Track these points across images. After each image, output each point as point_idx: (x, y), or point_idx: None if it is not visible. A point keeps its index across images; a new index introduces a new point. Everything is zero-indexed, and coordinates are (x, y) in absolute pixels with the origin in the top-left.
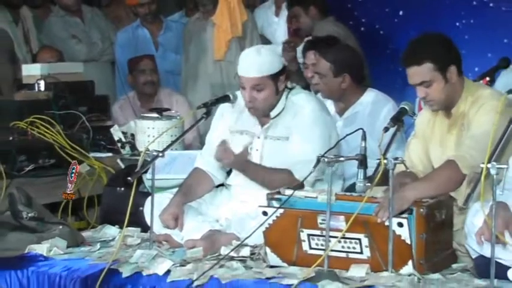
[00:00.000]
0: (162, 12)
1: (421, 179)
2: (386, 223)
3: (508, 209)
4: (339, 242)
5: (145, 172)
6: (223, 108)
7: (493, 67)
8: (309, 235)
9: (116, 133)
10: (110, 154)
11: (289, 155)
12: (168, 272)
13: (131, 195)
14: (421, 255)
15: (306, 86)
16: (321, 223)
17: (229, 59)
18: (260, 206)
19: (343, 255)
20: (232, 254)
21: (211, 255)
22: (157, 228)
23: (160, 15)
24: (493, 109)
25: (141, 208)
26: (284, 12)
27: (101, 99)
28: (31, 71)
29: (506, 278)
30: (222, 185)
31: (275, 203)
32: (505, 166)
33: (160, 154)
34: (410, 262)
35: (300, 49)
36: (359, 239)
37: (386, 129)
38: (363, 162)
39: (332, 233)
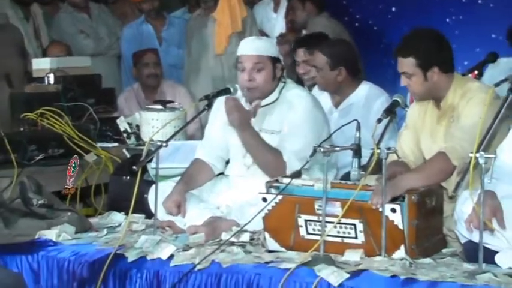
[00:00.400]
0: (166, 9)
1: (413, 169)
2: (381, 209)
3: (495, 197)
4: (335, 227)
5: (150, 161)
6: (219, 102)
7: (481, 61)
8: (306, 221)
9: (122, 124)
10: (116, 144)
11: (280, 147)
12: (171, 256)
13: (136, 184)
14: (412, 241)
15: (298, 80)
16: (317, 209)
17: (230, 53)
18: (260, 193)
19: (339, 240)
20: (233, 239)
21: (212, 241)
22: (161, 214)
23: (164, 12)
24: (481, 102)
25: (145, 195)
26: (282, 9)
27: (107, 91)
28: (41, 64)
29: (494, 262)
30: (222, 173)
31: (274, 191)
32: (493, 156)
33: (164, 144)
34: (402, 247)
35: None
36: (354, 225)
37: (379, 121)
38: (357, 151)
39: (328, 219)
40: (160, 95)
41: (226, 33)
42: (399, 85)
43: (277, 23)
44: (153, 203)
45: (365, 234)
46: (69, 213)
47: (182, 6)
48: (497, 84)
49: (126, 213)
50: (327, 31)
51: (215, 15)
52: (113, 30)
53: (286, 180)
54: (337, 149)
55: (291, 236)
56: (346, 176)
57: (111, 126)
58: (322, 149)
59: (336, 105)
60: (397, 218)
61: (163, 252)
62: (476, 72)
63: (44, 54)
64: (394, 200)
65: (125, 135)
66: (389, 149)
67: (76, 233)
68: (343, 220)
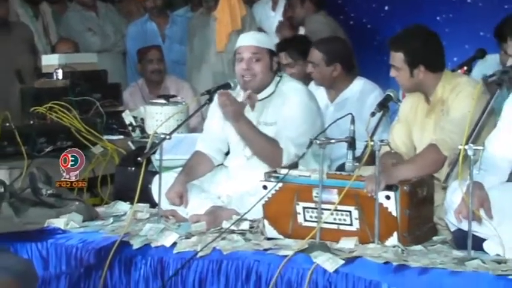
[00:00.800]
0: (169, 8)
1: (407, 161)
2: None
3: (483, 188)
4: (331, 214)
5: (154, 153)
6: None
7: (470, 57)
8: (304, 208)
9: (127, 117)
10: (121, 137)
11: (277, 136)
12: (174, 244)
13: (141, 174)
14: (404, 229)
15: None
16: (315, 196)
17: (230, 50)
18: (261, 181)
19: (335, 227)
20: (233, 227)
21: (213, 229)
22: (165, 204)
23: (167, 10)
24: (469, 95)
25: (149, 186)
26: (280, 7)
27: (113, 86)
28: (50, 61)
29: (482, 249)
30: (222, 164)
31: (273, 180)
32: (481, 148)
33: (168, 137)
34: (395, 234)
35: None
36: (349, 211)
37: (373, 114)
38: (352, 144)
39: (325, 206)
40: (164, 90)
41: (227, 31)
42: (392, 80)
43: (275, 21)
44: (156, 193)
45: (360, 221)
46: (76, 203)
47: (185, 5)
48: (484, 77)
49: (131, 203)
50: (324, 28)
51: (216, 14)
52: (119, 28)
53: (284, 171)
54: (333, 141)
55: (289, 223)
56: (341, 168)
57: (117, 120)
58: (318, 141)
59: (332, 99)
60: (391, 205)
61: (167, 239)
62: (465, 67)
63: (53, 50)
64: (388, 188)
65: (130, 128)
66: (382, 141)
67: (83, 221)
68: (340, 207)
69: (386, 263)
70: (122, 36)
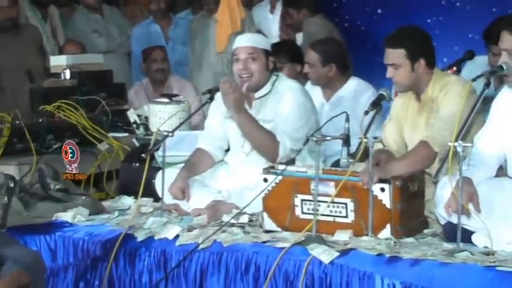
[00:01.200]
0: (172, 10)
1: (399, 157)
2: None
3: (472, 183)
4: (328, 206)
5: (157, 150)
6: (219, 96)
7: (459, 59)
8: (302, 200)
9: (132, 116)
10: (126, 134)
11: (274, 131)
12: (177, 236)
13: (145, 170)
14: (397, 222)
15: None
16: (313, 189)
17: (230, 51)
18: (261, 174)
19: (331, 219)
20: (233, 221)
21: (214, 222)
22: (168, 198)
23: (170, 13)
24: (459, 94)
25: (153, 181)
26: (278, 10)
27: (118, 86)
28: (58, 61)
29: (471, 242)
30: (222, 160)
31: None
32: (470, 144)
33: (170, 134)
34: (388, 226)
35: None
36: (345, 204)
37: (366, 113)
38: (346, 141)
39: (322, 198)
40: (168, 89)
41: (227, 32)
42: (385, 80)
43: (274, 23)
44: (160, 188)
45: (355, 213)
46: (83, 197)
47: (187, 8)
48: (474, 79)
49: (136, 197)
50: (320, 30)
51: (216, 16)
52: (124, 30)
53: (281, 167)
54: (328, 138)
55: (287, 215)
56: (336, 164)
57: (122, 118)
58: (314, 138)
59: (327, 98)
60: (385, 198)
61: (170, 232)
62: (454, 68)
63: (61, 51)
64: (382, 181)
65: (134, 126)
66: (375, 138)
67: (90, 215)
68: (336, 199)
69: (379, 254)
70: (127, 37)
